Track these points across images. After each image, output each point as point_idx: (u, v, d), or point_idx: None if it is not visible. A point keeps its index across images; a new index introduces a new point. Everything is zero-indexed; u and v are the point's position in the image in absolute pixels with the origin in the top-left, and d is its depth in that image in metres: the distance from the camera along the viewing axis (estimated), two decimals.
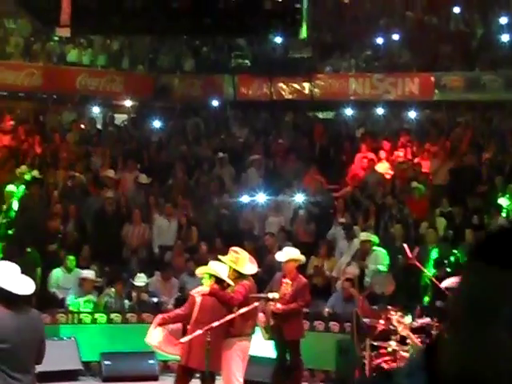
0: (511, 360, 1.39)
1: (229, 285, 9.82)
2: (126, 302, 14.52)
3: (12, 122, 20.86)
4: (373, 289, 12.65)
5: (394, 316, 8.77)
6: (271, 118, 22.86)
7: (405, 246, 12.08)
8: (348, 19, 24.74)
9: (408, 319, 10.28)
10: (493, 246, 1.49)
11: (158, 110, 22.85)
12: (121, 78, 23.28)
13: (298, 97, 22.37)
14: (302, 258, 12.02)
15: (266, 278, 12.81)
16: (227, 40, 23.75)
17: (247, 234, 16.86)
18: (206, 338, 9.05)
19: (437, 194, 17.21)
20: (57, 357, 12.50)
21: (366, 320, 10.96)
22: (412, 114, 21.64)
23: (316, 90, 22.24)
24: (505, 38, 21.60)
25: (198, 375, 9.85)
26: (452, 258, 14.92)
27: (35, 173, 17.74)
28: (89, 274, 14.57)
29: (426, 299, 14.01)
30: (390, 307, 10.27)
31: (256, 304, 10.02)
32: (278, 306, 11.44)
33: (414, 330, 9.92)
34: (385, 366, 10.16)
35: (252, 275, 10.28)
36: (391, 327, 9.96)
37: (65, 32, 16.78)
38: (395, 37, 23.05)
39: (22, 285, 6.24)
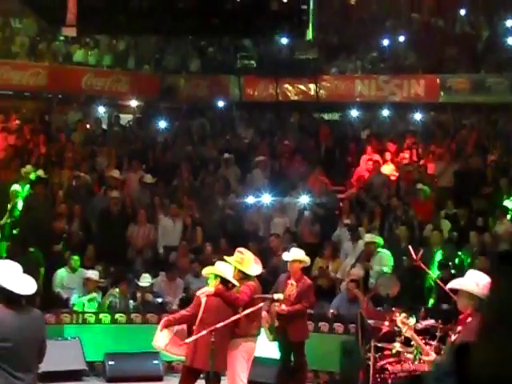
0: None
1: (234, 285, 9.81)
2: (131, 302, 14.50)
3: (17, 122, 20.87)
4: (377, 290, 12.66)
5: (399, 317, 8.74)
6: (277, 119, 22.84)
7: (409, 247, 12.06)
8: (354, 21, 24.79)
9: (412, 321, 10.25)
10: None
11: (164, 110, 22.86)
12: (126, 78, 23.30)
13: (303, 98, 22.38)
14: (307, 259, 12.01)
15: (270, 279, 12.80)
16: (233, 41, 23.76)
17: (252, 234, 16.84)
18: (210, 339, 9.05)
19: (442, 196, 17.19)
20: (61, 357, 12.54)
21: (370, 321, 10.95)
22: (417, 116, 21.63)
23: (322, 91, 22.25)
24: (510, 40, 21.65)
25: (202, 376, 9.84)
26: (456, 260, 14.93)
27: (40, 172, 17.68)
28: (93, 274, 14.57)
29: (431, 301, 13.98)
30: (394, 309, 10.24)
31: (261, 305, 10.02)
32: (283, 307, 11.45)
33: (418, 332, 9.88)
34: (389, 367, 10.15)
35: (256, 276, 10.28)
36: (396, 329, 9.94)
37: (71, 32, 16.76)
38: (401, 39, 23.09)
39: (24, 284, 6.22)
